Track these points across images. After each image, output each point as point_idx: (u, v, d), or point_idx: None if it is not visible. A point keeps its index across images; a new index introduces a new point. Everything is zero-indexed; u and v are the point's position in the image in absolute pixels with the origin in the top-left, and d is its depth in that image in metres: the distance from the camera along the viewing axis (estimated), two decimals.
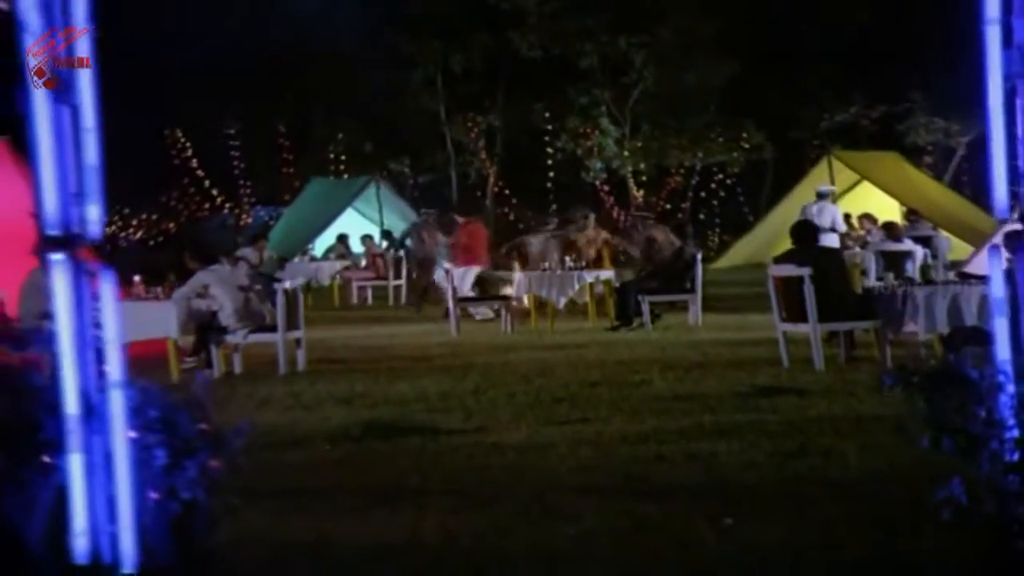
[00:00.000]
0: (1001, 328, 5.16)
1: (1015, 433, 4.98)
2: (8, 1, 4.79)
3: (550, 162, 42.67)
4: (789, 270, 12.46)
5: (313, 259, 26.00)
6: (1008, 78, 5.06)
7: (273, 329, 13.52)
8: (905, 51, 39.37)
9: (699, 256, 18.34)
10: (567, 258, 19.08)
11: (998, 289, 5.17)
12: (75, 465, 4.75)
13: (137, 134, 40.71)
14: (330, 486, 7.85)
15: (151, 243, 42.57)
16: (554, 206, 42.32)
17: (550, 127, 42.39)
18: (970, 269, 13.48)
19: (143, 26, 38.16)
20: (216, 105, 40.71)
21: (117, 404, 4.89)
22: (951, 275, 13.33)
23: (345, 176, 41.33)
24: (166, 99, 40.26)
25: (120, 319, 13.58)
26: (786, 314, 12.55)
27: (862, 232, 21.65)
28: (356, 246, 32.47)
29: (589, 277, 18.19)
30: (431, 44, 40.68)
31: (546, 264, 18.84)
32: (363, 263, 26.76)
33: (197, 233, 11.82)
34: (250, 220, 42.58)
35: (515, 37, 40.56)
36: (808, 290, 12.15)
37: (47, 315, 5.14)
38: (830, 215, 25.74)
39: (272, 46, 39.97)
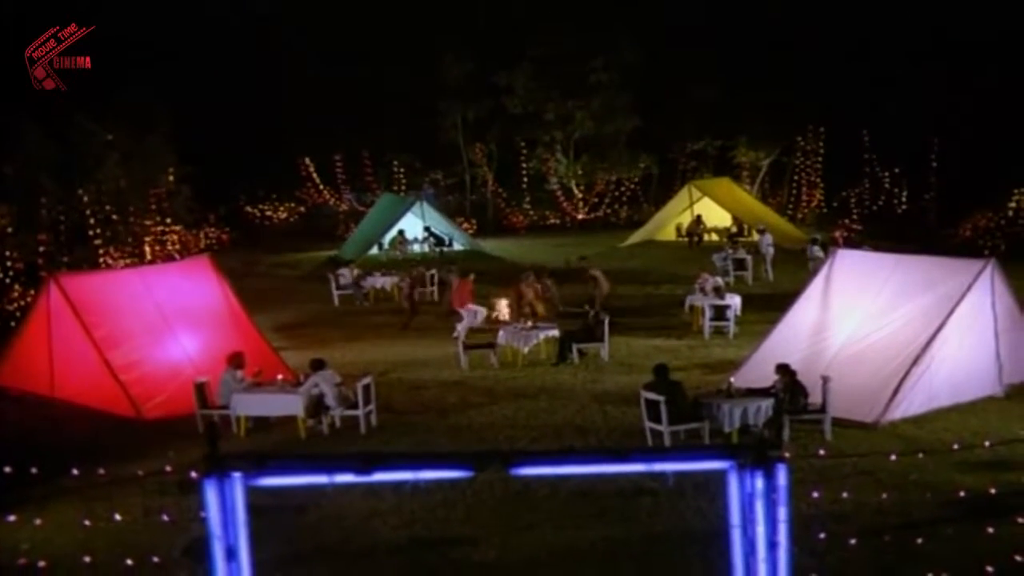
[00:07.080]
0: None
1: None
2: None
3: (525, 175, 42.21)
4: (652, 395, 12.67)
5: (384, 274, 25.80)
6: None
7: (356, 407, 13.79)
8: (732, 108, 39.02)
9: (607, 319, 17.92)
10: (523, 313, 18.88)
11: None
12: None
13: (283, 159, 40.63)
14: None
15: (290, 219, 42.45)
16: (527, 197, 42.36)
17: (525, 153, 41.82)
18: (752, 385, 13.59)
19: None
20: (326, 140, 40.38)
21: None
22: (743, 389, 13.38)
23: (404, 182, 41.17)
24: (300, 138, 40.03)
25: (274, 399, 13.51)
26: (649, 417, 12.79)
27: (700, 282, 21.06)
28: (412, 233, 32.75)
29: (542, 334, 17.74)
30: (456, 103, 40.14)
31: (517, 323, 18.38)
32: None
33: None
34: (344, 206, 42.25)
35: (507, 100, 39.93)
36: (663, 408, 12.44)
37: None
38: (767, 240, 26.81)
39: (358, 103, 39.60)
